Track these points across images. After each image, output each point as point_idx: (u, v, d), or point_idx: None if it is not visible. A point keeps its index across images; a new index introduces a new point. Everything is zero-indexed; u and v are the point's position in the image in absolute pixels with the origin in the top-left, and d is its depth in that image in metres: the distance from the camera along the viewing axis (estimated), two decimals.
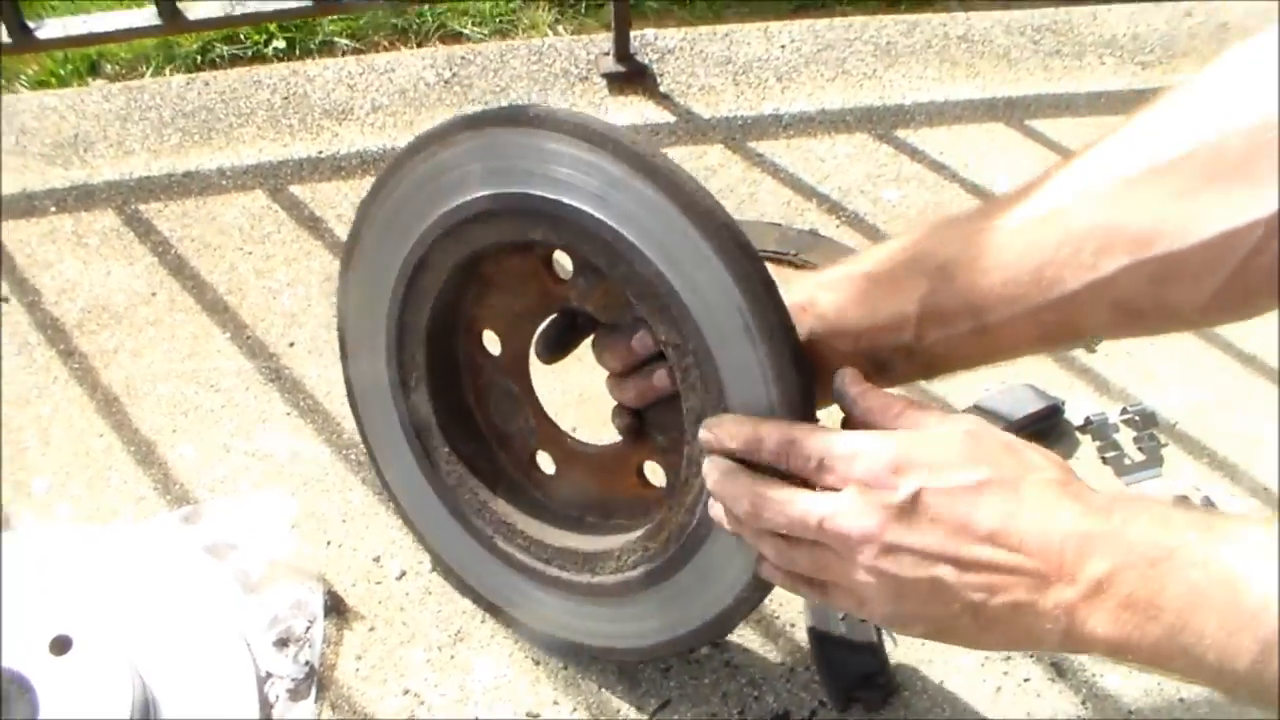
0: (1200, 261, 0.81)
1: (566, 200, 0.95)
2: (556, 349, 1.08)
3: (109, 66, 2.35)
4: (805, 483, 0.85)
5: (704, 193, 0.89)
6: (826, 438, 0.84)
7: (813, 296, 0.94)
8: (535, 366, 1.11)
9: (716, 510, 0.90)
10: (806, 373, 0.89)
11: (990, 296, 0.87)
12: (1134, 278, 0.83)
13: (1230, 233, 0.80)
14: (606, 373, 1.04)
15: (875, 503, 0.80)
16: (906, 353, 0.91)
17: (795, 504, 0.83)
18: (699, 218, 0.88)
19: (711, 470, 0.89)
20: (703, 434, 0.90)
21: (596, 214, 0.93)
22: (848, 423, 0.89)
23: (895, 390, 0.89)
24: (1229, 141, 0.81)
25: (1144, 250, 0.82)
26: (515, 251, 1.04)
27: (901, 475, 0.79)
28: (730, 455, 0.88)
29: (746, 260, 0.88)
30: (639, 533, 1.03)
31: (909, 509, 0.79)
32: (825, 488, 0.83)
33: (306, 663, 1.11)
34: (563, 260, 1.05)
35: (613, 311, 1.01)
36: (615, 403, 1.05)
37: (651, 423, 1.05)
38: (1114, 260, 0.83)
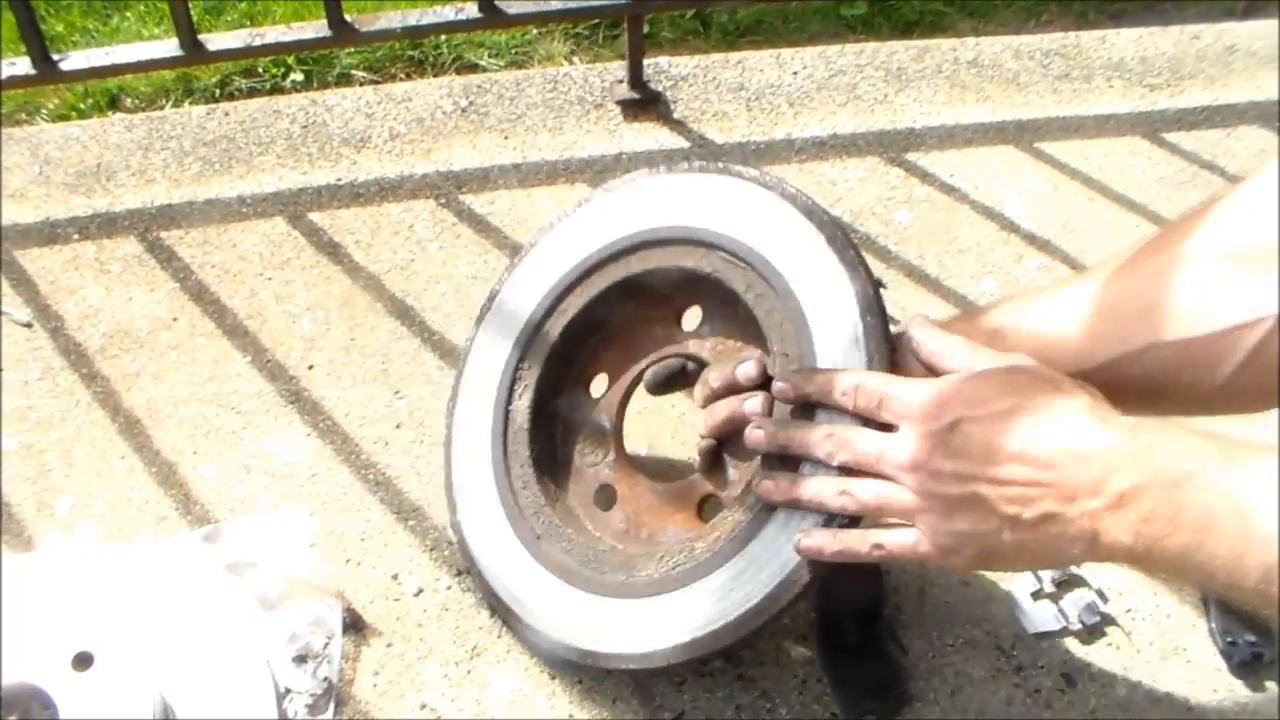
0: (1211, 350, 0.90)
1: (725, 231, 1.13)
2: (665, 386, 1.21)
3: (129, 100, 2.37)
4: (867, 423, 0.96)
5: (841, 226, 1.08)
6: (888, 381, 0.95)
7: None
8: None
9: (767, 485, 1.00)
10: None
11: (1032, 358, 0.95)
12: (1157, 357, 0.93)
13: (1237, 326, 0.89)
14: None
15: (923, 433, 0.91)
16: None
17: (862, 439, 0.95)
18: (839, 247, 1.05)
19: (780, 429, 1.01)
20: (779, 385, 1.02)
21: (747, 242, 1.11)
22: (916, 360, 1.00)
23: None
24: (1254, 246, 0.90)
25: (1164, 333, 0.92)
26: (652, 304, 1.20)
27: (944, 409, 0.90)
28: (804, 401, 1.00)
29: (871, 286, 1.03)
30: (688, 534, 1.09)
31: (949, 436, 0.89)
32: (884, 425, 0.94)
33: (325, 678, 1.13)
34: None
35: (723, 357, 1.14)
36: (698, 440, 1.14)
37: (729, 452, 1.12)
38: (1139, 338, 0.94)
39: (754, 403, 1.07)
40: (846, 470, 0.96)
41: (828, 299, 1.05)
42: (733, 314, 1.13)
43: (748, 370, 1.08)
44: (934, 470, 0.89)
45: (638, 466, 1.19)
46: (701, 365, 1.16)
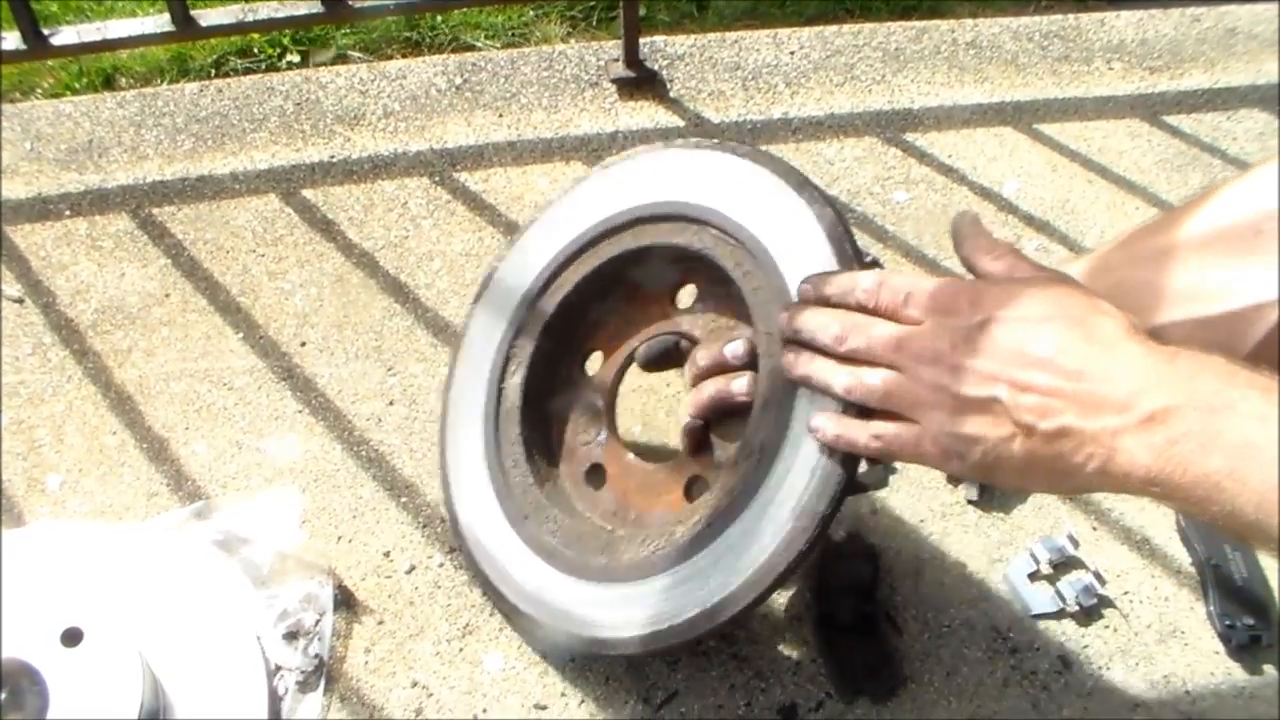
0: (1230, 327, 0.88)
1: (719, 208, 1.11)
2: (657, 363, 1.19)
3: (124, 80, 2.36)
4: None
5: (833, 202, 1.05)
6: (913, 277, 0.93)
7: None
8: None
9: (789, 358, 0.98)
10: None
11: None
12: (1171, 335, 0.88)
13: (1258, 305, 0.87)
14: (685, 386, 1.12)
15: (948, 326, 0.87)
16: None
17: (879, 325, 0.92)
18: (833, 237, 1.02)
19: (797, 311, 0.97)
20: (801, 285, 0.98)
21: (740, 220, 1.09)
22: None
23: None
24: (1269, 222, 0.89)
25: (1180, 310, 0.91)
26: (647, 281, 1.19)
27: (974, 307, 0.87)
28: (824, 302, 0.96)
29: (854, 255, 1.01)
30: (672, 516, 1.08)
31: (976, 333, 0.86)
32: (908, 321, 0.91)
33: (316, 655, 1.12)
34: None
35: (714, 336, 1.12)
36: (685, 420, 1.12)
37: (717, 433, 1.10)
38: (1154, 316, 0.91)
39: (741, 382, 1.05)
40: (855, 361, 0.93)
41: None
42: (725, 292, 1.12)
43: (735, 349, 1.07)
44: (954, 365, 0.86)
45: (627, 446, 1.18)
46: (694, 343, 1.14)
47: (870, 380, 0.91)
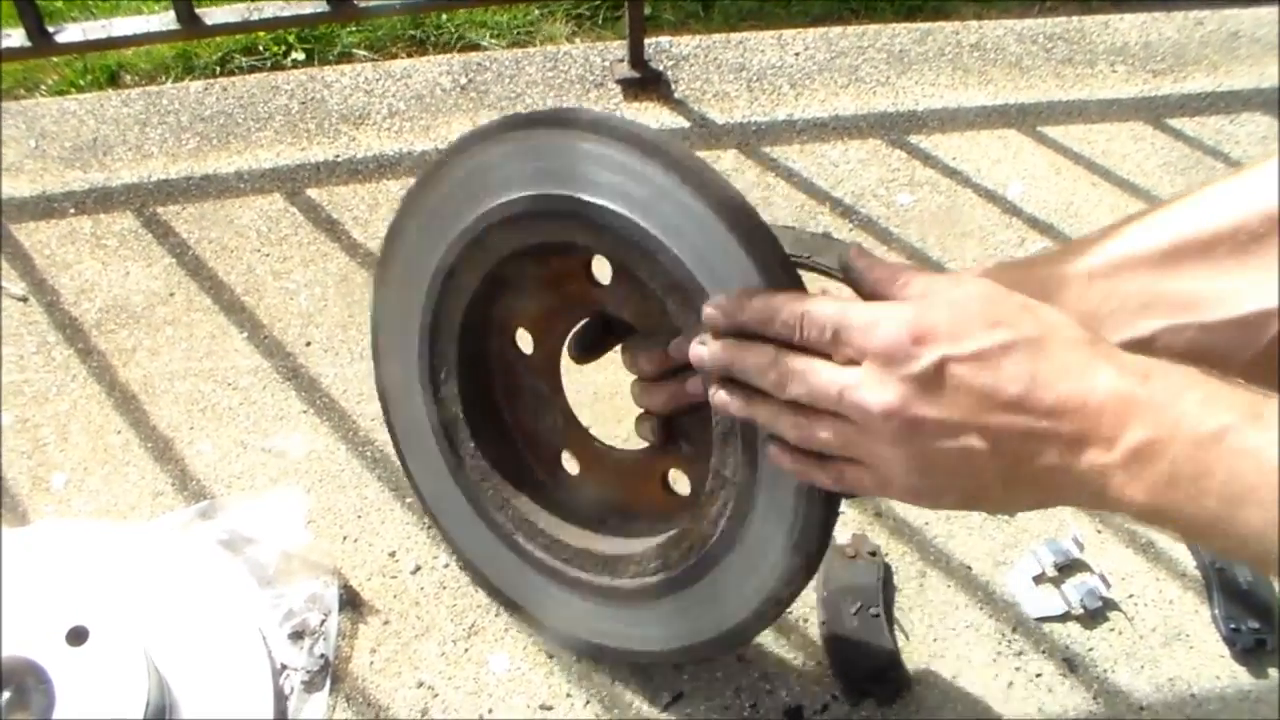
0: (1233, 334, 0.85)
1: (611, 206, 0.94)
2: (590, 350, 1.07)
3: (129, 78, 2.35)
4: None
5: (749, 208, 0.88)
6: (842, 307, 0.80)
7: None
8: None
9: (721, 397, 0.86)
10: None
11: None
12: (1171, 341, 0.85)
13: (1265, 311, 0.83)
14: (630, 377, 1.02)
15: (896, 375, 0.76)
16: None
17: (818, 372, 0.79)
18: (744, 234, 0.87)
19: (723, 348, 0.85)
20: (708, 310, 0.85)
21: (641, 222, 0.93)
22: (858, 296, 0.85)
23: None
24: (1269, 225, 0.85)
25: (1181, 316, 0.86)
26: (556, 253, 1.03)
27: (922, 345, 0.76)
28: (739, 331, 0.84)
29: (786, 277, 0.86)
30: (660, 540, 1.03)
31: (932, 380, 0.75)
32: (842, 360, 0.79)
33: (321, 655, 1.12)
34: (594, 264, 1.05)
35: (647, 319, 1.01)
36: (640, 410, 1.04)
37: (679, 431, 1.04)
38: (1152, 322, 0.86)
39: (695, 383, 0.95)
40: (800, 405, 0.82)
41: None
42: (643, 270, 0.96)
43: (680, 347, 0.94)
44: (912, 419, 0.76)
45: (587, 432, 1.13)
46: (622, 322, 1.04)
47: (822, 434, 0.81)
